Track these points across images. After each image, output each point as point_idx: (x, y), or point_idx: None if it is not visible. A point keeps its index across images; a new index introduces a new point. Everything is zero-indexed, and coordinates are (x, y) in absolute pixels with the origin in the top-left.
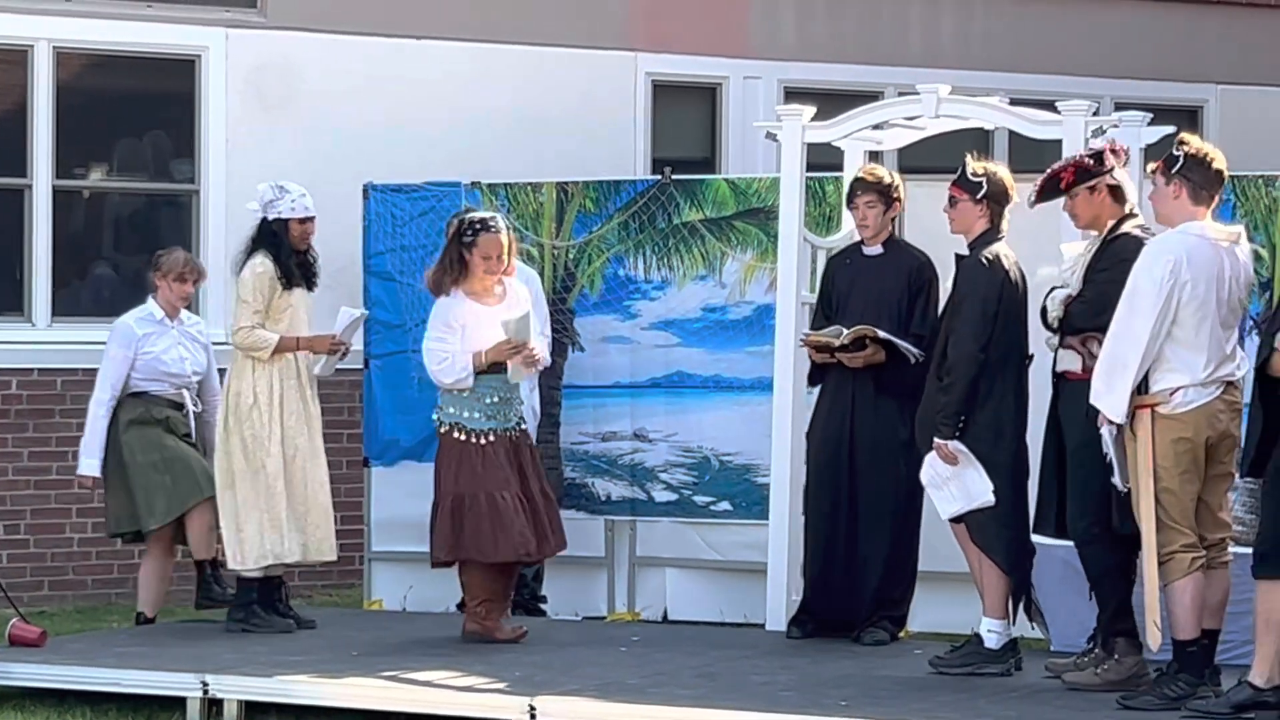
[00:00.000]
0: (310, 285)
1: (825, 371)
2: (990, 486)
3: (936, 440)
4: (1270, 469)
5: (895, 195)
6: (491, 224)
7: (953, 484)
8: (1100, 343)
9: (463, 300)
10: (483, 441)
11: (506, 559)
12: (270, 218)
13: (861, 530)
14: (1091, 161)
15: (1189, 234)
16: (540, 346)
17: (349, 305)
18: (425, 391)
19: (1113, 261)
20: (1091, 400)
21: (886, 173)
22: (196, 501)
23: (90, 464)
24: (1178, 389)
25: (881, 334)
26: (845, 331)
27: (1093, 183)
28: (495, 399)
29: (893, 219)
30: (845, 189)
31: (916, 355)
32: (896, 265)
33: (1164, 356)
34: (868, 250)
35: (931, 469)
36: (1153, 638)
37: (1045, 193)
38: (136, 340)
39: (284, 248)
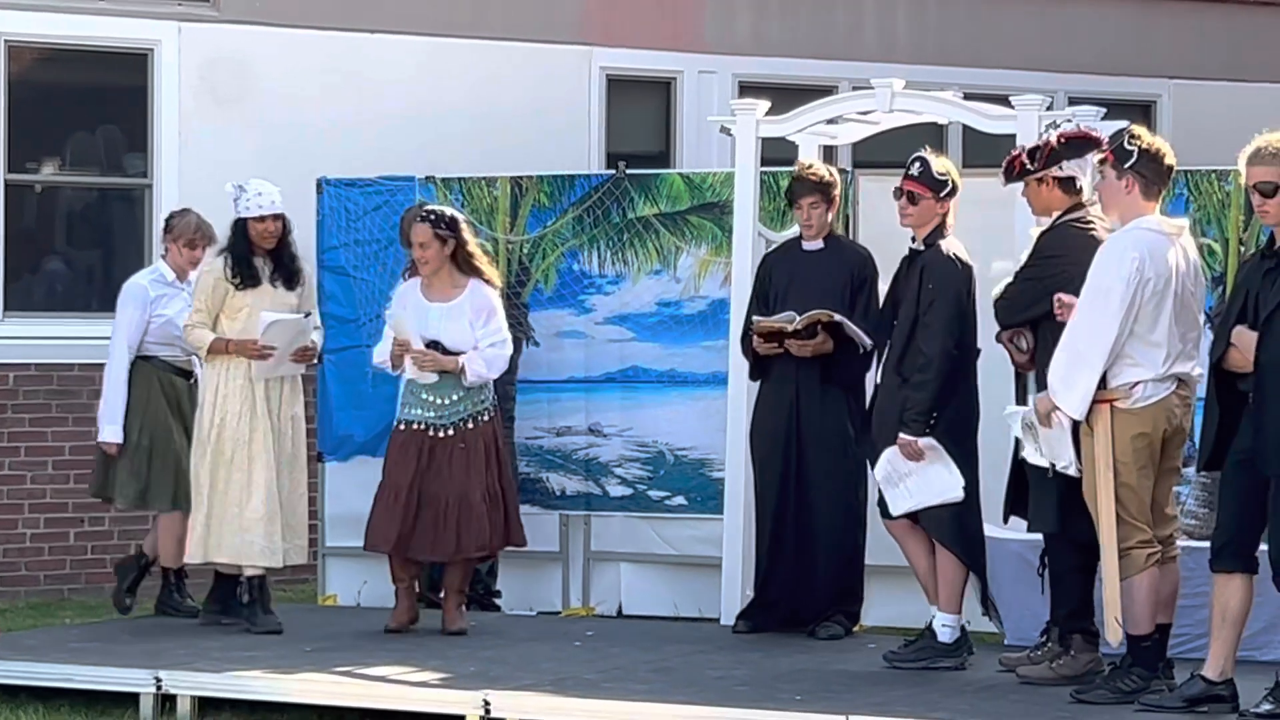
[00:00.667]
0: (288, 284)
1: (768, 365)
2: (961, 482)
3: (904, 436)
4: (1227, 464)
5: (835, 193)
6: (422, 213)
7: (911, 480)
8: (1027, 338)
9: (414, 289)
10: (398, 430)
11: (369, 548)
12: (235, 217)
13: (809, 523)
14: (1027, 159)
15: (1148, 229)
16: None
17: (270, 310)
18: (379, 386)
19: (1039, 258)
20: (1049, 395)
21: (826, 170)
22: (163, 509)
23: (112, 430)
24: (1137, 384)
25: (837, 317)
26: (798, 317)
27: (1037, 175)
28: (416, 395)
29: (832, 215)
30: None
31: (867, 343)
32: (838, 261)
33: (1124, 352)
34: (807, 246)
35: (890, 465)
36: (1113, 633)
37: (1007, 176)
38: (149, 301)
39: (238, 247)
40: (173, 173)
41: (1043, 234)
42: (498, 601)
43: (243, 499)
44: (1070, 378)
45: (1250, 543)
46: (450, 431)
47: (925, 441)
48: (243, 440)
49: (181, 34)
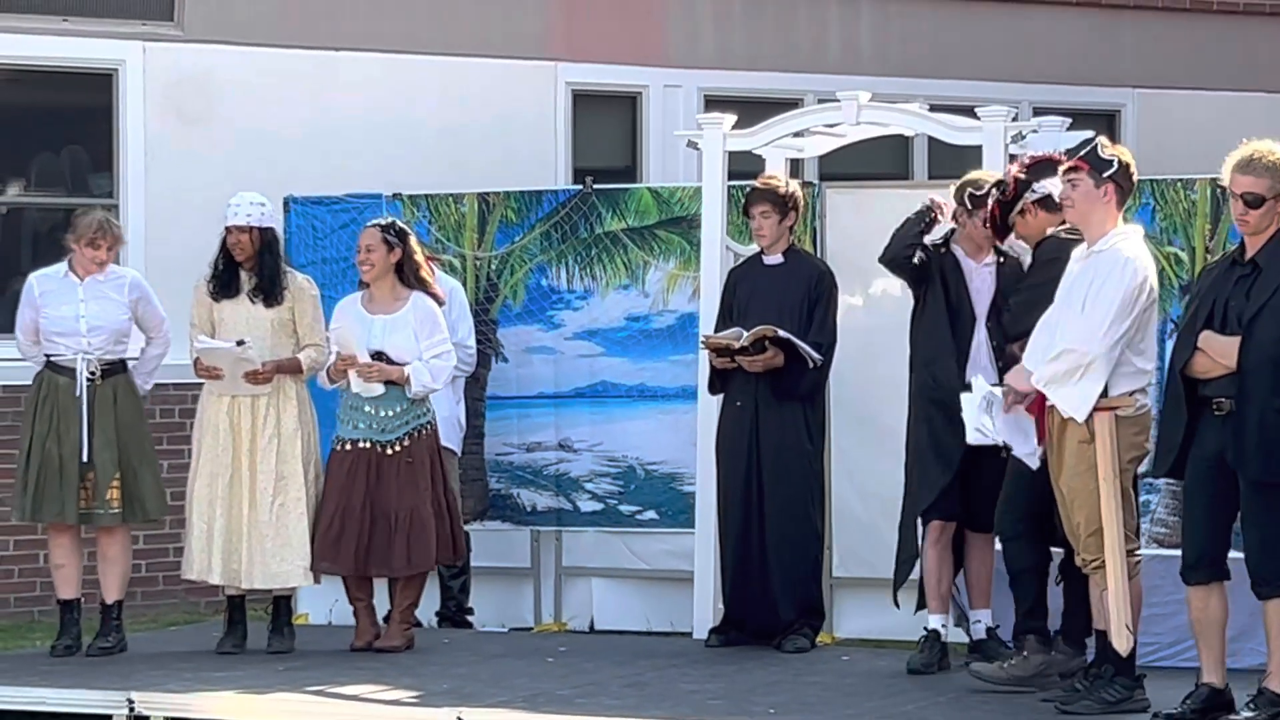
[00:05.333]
0: (267, 300)
1: (726, 379)
2: (1037, 452)
3: (1015, 380)
4: (1191, 472)
5: (792, 204)
6: (369, 222)
7: (1000, 421)
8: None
9: (354, 304)
10: (341, 450)
11: (317, 570)
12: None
13: (772, 538)
14: (1000, 195)
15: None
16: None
17: (204, 337)
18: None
19: (1036, 266)
20: (1042, 386)
21: (783, 181)
22: (54, 521)
23: None
24: (1135, 392)
25: (782, 333)
26: (745, 334)
27: (1016, 209)
28: (358, 410)
29: (790, 228)
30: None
31: (816, 359)
32: (796, 274)
33: (1125, 360)
34: (767, 260)
35: (989, 396)
36: (1125, 641)
37: (995, 226)
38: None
39: (218, 258)
40: (139, 192)
41: (1036, 245)
42: (470, 618)
43: (207, 516)
44: (1072, 379)
45: (1222, 550)
46: (396, 447)
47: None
48: (218, 459)
49: (146, 54)
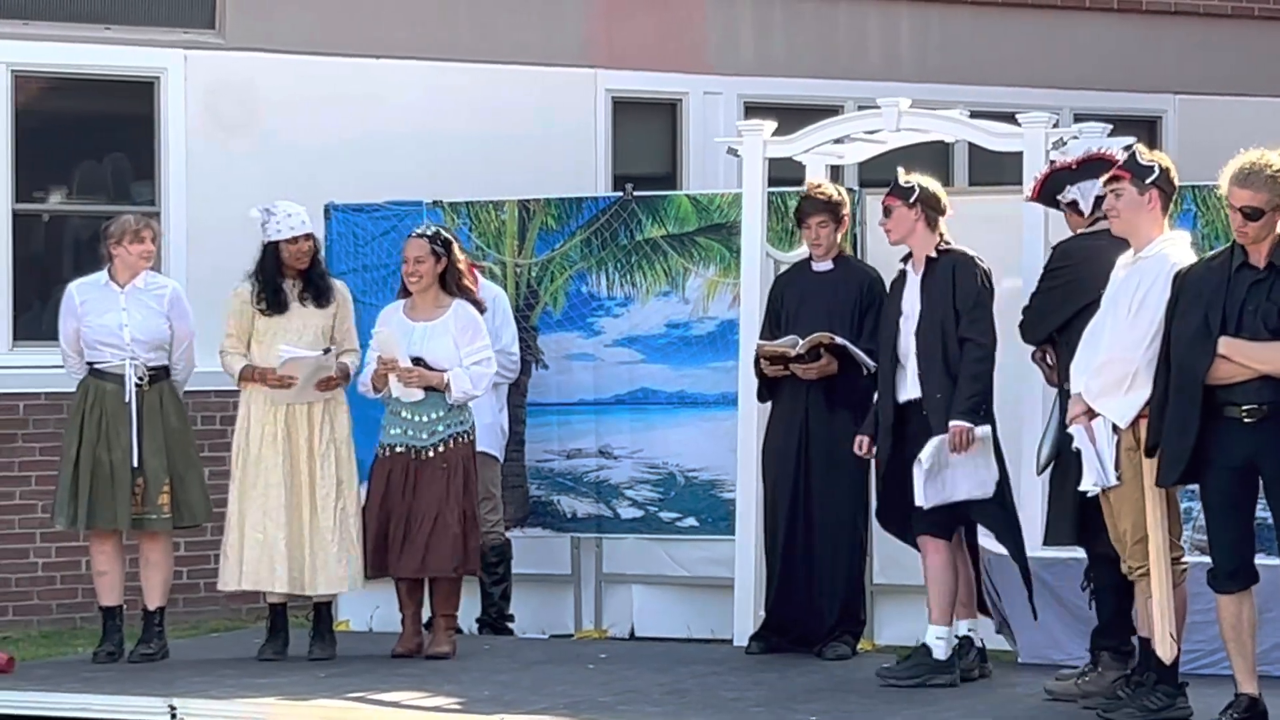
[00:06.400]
0: (319, 302)
1: (777, 386)
2: (995, 479)
3: (960, 424)
4: (1215, 480)
5: (844, 212)
6: (414, 231)
7: (951, 472)
8: (1050, 354)
9: (397, 310)
10: (383, 456)
11: (371, 577)
12: (263, 241)
13: (818, 544)
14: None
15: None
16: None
17: (295, 338)
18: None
19: (1047, 271)
20: (1090, 400)
21: (835, 189)
22: (107, 528)
23: None
24: (1150, 399)
25: (838, 340)
26: (800, 341)
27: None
28: (398, 415)
29: (841, 235)
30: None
31: (870, 366)
32: (847, 281)
33: None
34: (817, 266)
35: (935, 454)
36: (1169, 649)
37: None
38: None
39: (267, 271)
40: (180, 200)
41: (1054, 248)
42: (511, 625)
43: (263, 526)
44: (1120, 390)
45: (1251, 554)
46: (432, 453)
47: (981, 432)
48: (264, 467)
49: (187, 62)
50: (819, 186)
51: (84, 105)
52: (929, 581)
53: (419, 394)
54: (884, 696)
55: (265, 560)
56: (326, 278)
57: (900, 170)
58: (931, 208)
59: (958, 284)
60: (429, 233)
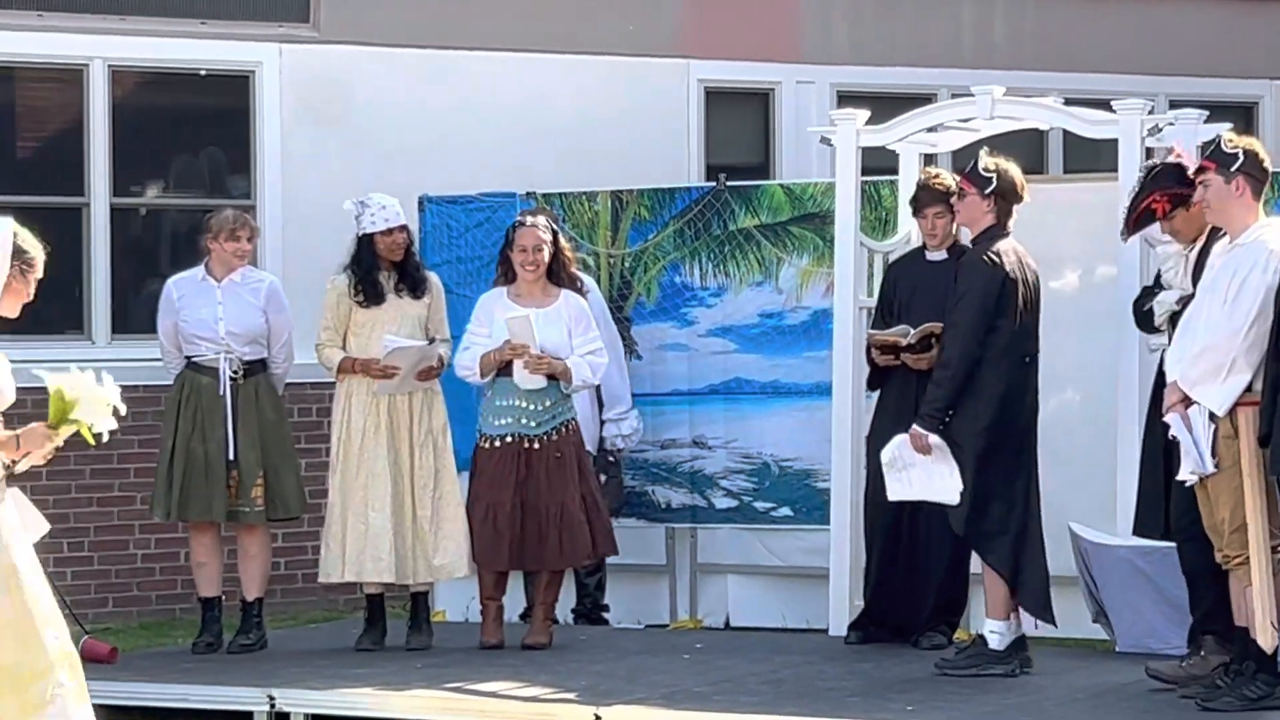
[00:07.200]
0: (414, 293)
1: (886, 375)
2: (959, 488)
3: (917, 429)
4: None
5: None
6: (527, 220)
7: (914, 471)
8: None
9: (500, 297)
10: (489, 447)
11: (484, 570)
12: (358, 234)
13: (922, 535)
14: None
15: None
16: (583, 356)
17: (396, 327)
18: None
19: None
20: (1186, 387)
21: (951, 179)
22: (200, 519)
23: None
24: (1264, 388)
25: None
26: (912, 331)
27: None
28: (507, 404)
29: (955, 225)
30: (906, 194)
31: None
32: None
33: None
34: (931, 256)
35: (897, 451)
36: (1270, 638)
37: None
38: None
39: (364, 263)
40: (275, 193)
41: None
42: (606, 615)
43: (366, 517)
44: (1217, 378)
45: None
46: (541, 442)
47: (935, 440)
48: (366, 458)
49: (282, 55)
50: (937, 176)
51: (180, 100)
52: (987, 578)
53: (541, 381)
54: (980, 685)
55: (369, 551)
56: (421, 269)
57: (983, 153)
58: (1005, 199)
59: (956, 283)
60: (541, 221)
